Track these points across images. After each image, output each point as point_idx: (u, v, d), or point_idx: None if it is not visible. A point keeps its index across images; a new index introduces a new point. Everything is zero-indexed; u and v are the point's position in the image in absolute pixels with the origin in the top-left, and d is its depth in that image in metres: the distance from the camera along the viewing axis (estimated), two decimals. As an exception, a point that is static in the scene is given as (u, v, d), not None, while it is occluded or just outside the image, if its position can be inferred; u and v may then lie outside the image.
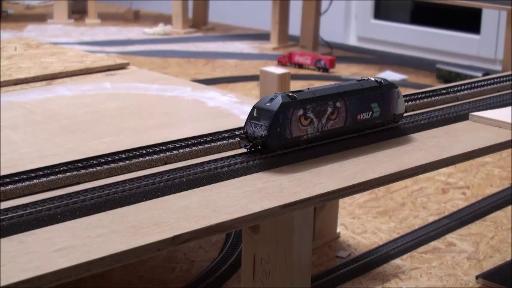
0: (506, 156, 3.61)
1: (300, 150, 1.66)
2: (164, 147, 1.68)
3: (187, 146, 1.70)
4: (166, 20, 6.81)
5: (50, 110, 2.38)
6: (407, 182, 3.23)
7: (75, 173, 1.52)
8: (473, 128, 1.94)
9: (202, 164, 1.58)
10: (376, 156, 1.70)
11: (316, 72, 5.34)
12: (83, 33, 6.49)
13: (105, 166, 1.56)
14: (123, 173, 1.56)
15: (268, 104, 1.60)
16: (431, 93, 2.16)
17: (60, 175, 1.51)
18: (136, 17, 7.23)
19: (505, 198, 3.14)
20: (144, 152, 1.64)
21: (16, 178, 1.48)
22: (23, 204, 1.36)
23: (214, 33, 6.69)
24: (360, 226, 2.84)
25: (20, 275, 1.14)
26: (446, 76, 5.09)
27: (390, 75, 5.26)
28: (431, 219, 2.92)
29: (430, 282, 2.44)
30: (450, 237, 2.77)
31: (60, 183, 1.49)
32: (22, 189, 1.45)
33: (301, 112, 1.63)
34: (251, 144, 1.62)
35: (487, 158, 3.56)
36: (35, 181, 1.47)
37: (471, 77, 4.66)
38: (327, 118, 1.68)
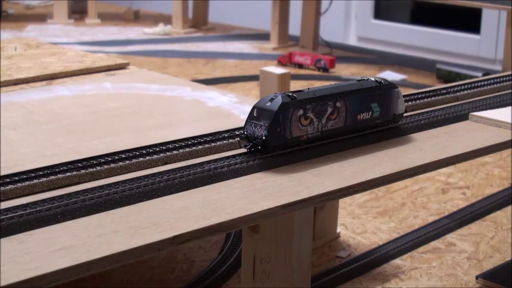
0: (506, 156, 3.61)
1: (300, 150, 1.66)
2: (164, 147, 1.67)
3: (187, 146, 1.69)
4: (166, 20, 6.81)
5: (50, 110, 2.38)
6: (407, 182, 3.23)
7: (75, 173, 1.52)
8: (473, 128, 1.94)
9: (202, 164, 1.58)
10: (376, 156, 1.70)
11: (316, 72, 5.34)
12: (83, 33, 6.49)
13: (105, 166, 1.56)
14: (123, 173, 1.56)
15: (268, 104, 1.60)
16: (431, 93, 2.16)
17: (60, 175, 1.51)
18: (136, 17, 7.23)
19: (505, 198, 3.14)
20: (144, 152, 1.64)
21: (16, 178, 1.48)
22: (23, 204, 1.36)
23: (214, 33, 6.69)
24: (360, 226, 2.84)
25: (20, 275, 1.13)
26: (446, 76, 5.09)
27: (390, 75, 5.26)
28: (431, 219, 2.92)
29: (430, 282, 2.45)
30: (450, 237, 2.77)
31: (60, 183, 1.49)
32: (22, 189, 1.45)
33: (301, 112, 1.63)
34: (251, 144, 1.62)
35: (487, 158, 3.56)
36: (35, 181, 1.47)
37: (471, 77, 4.66)
38: (327, 118, 1.68)
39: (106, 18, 7.13)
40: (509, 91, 2.27)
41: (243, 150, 1.65)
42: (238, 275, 2.44)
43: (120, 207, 1.39)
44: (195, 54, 5.82)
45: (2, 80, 2.68)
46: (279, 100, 1.60)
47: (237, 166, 1.58)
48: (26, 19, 7.06)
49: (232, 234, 2.68)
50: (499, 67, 5.56)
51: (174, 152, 1.66)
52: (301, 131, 1.64)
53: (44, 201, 1.38)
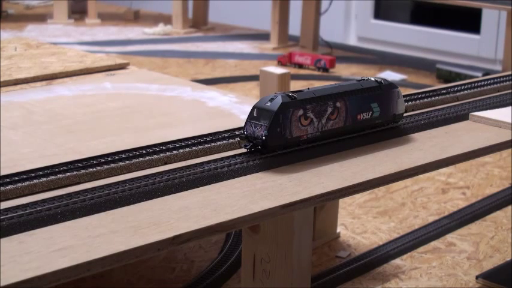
0: (506, 156, 3.61)
1: (300, 150, 1.66)
2: (164, 147, 1.67)
3: (187, 146, 1.69)
4: (166, 20, 6.81)
5: (50, 110, 2.38)
6: (407, 182, 3.23)
7: (75, 173, 1.52)
8: (473, 128, 1.94)
9: (202, 164, 1.58)
10: (376, 156, 1.70)
11: (316, 72, 5.34)
12: (83, 33, 6.49)
13: (105, 166, 1.56)
14: (123, 173, 1.56)
15: (268, 104, 1.60)
16: (431, 93, 2.16)
17: (60, 175, 1.51)
18: (136, 17, 7.23)
19: (505, 198, 3.14)
20: (144, 152, 1.64)
21: (16, 178, 1.48)
22: (23, 204, 1.36)
23: (214, 33, 6.69)
24: (360, 226, 2.84)
25: (20, 275, 1.14)
26: (446, 76, 5.09)
27: (390, 75, 5.26)
28: (431, 219, 2.92)
29: (430, 282, 2.45)
30: (450, 237, 2.77)
31: (60, 183, 1.49)
32: (22, 189, 1.45)
33: (301, 112, 1.63)
34: (251, 144, 1.62)
35: (487, 158, 3.56)
36: (35, 181, 1.47)
37: (471, 77, 4.66)
38: (327, 118, 1.68)
39: (106, 18, 7.13)
40: (509, 91, 2.27)
41: (243, 150, 1.65)
42: (238, 275, 2.44)
43: (120, 207, 1.39)
44: (195, 54, 5.82)
45: (2, 80, 2.68)
46: (279, 100, 1.60)
47: (237, 166, 1.58)
48: (26, 19, 7.06)
49: (232, 234, 2.68)
50: (499, 67, 5.56)
51: (174, 152, 1.66)
52: (301, 131, 1.64)
53: (44, 201, 1.38)
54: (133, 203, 1.41)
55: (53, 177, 1.50)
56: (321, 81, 5.04)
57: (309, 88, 1.70)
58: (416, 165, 1.66)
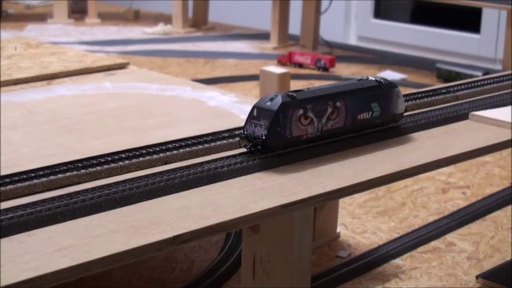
0: (506, 155, 3.61)
1: (300, 150, 1.66)
2: (164, 147, 1.67)
3: (187, 146, 1.69)
4: (166, 19, 6.81)
5: (50, 110, 2.38)
6: (407, 181, 3.23)
7: (75, 173, 1.52)
8: (473, 127, 1.94)
9: (202, 164, 1.58)
10: (376, 156, 1.70)
11: (316, 72, 5.34)
12: (83, 33, 6.49)
13: (105, 166, 1.56)
14: (123, 173, 1.56)
15: (268, 104, 1.60)
16: (431, 93, 2.16)
17: (60, 175, 1.51)
18: (136, 17, 7.23)
19: (505, 197, 3.14)
20: (144, 152, 1.64)
21: (16, 178, 1.48)
22: (23, 204, 1.36)
23: (214, 33, 6.69)
24: (360, 226, 2.84)
25: (20, 275, 1.13)
26: (446, 75, 5.09)
27: (390, 74, 5.26)
28: (431, 219, 2.92)
29: (430, 282, 2.45)
30: (450, 237, 2.77)
31: (60, 183, 1.49)
32: (22, 189, 1.45)
33: (301, 112, 1.63)
34: (251, 144, 1.62)
35: (487, 158, 3.56)
36: (35, 181, 1.47)
37: (471, 76, 4.66)
38: (327, 118, 1.68)
39: (106, 18, 7.13)
40: (509, 90, 2.27)
41: (243, 150, 1.65)
42: (238, 275, 2.44)
43: (120, 207, 1.39)
44: (195, 54, 5.82)
45: (2, 80, 2.68)
46: (279, 100, 1.60)
47: (237, 166, 1.58)
48: (26, 19, 7.06)
49: (232, 234, 2.68)
50: (499, 66, 5.56)
51: (174, 152, 1.66)
52: (301, 130, 1.64)
53: (44, 201, 1.38)
54: (133, 203, 1.41)
55: (53, 177, 1.50)
56: (321, 81, 5.04)
57: (309, 88, 1.70)
58: (416, 165, 1.66)
